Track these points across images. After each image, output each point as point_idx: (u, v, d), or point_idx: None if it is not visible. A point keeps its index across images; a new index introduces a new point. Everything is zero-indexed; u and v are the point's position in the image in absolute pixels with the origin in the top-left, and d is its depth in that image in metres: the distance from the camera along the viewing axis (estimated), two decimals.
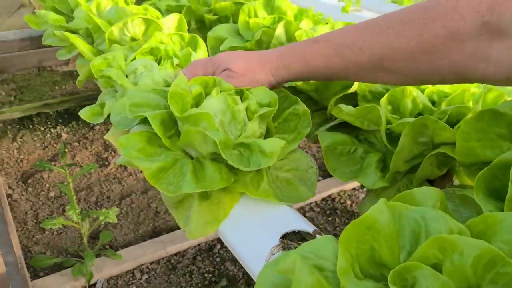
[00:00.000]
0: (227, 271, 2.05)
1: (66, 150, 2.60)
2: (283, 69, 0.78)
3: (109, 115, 0.92)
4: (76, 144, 2.78)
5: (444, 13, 0.61)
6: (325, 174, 2.49)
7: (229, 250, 2.13)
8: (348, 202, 2.49)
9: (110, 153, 2.72)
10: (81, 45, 1.07)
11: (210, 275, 2.03)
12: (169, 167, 0.69)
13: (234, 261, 2.09)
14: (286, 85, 0.91)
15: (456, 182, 0.76)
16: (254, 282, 0.68)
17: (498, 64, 0.58)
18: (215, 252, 2.14)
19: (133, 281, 1.97)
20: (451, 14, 0.60)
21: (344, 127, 0.86)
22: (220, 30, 1.16)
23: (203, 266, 2.06)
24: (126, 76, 0.93)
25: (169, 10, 1.36)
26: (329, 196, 2.52)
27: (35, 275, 1.95)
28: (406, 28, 0.64)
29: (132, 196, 2.42)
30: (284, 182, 0.76)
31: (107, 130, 2.88)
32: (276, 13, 1.16)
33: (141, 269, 2.02)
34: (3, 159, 2.64)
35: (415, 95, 0.79)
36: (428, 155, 0.68)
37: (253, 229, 0.67)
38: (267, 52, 0.82)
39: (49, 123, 2.96)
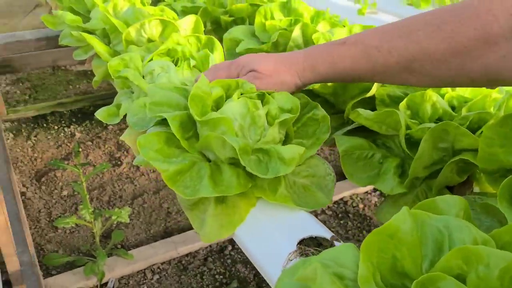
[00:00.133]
0: (238, 273, 2.05)
1: (80, 149, 2.61)
2: (309, 70, 0.77)
3: (125, 116, 0.92)
4: (89, 143, 2.80)
5: (477, 15, 0.60)
6: (337, 176, 2.48)
7: (241, 252, 2.13)
8: (361, 206, 2.48)
9: (123, 152, 2.73)
10: (98, 45, 1.07)
11: (221, 276, 2.03)
12: (187, 170, 0.68)
13: (245, 263, 2.08)
14: (303, 88, 0.90)
15: (476, 189, 0.75)
16: (265, 284, 0.67)
17: None
18: (226, 253, 2.14)
19: (144, 281, 1.98)
20: (484, 16, 0.59)
21: (361, 131, 0.85)
22: (236, 31, 1.16)
23: (214, 268, 2.06)
24: (143, 77, 0.93)
25: (184, 11, 1.36)
26: (341, 199, 2.50)
27: (47, 273, 1.97)
28: (437, 30, 0.64)
29: (144, 196, 2.42)
30: (301, 188, 0.75)
31: (120, 130, 2.90)
32: (293, 15, 1.15)
33: (152, 269, 2.02)
34: (18, 157, 2.66)
35: (435, 100, 0.78)
36: (449, 161, 0.67)
37: (270, 233, 0.66)
38: (292, 53, 0.81)
39: (63, 122, 2.99)
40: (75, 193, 2.39)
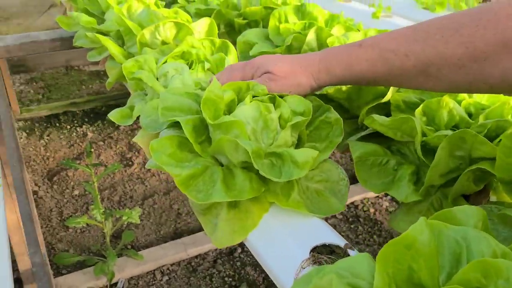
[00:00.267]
0: (248, 276, 2.04)
1: (92, 150, 2.63)
2: (325, 72, 0.77)
3: (138, 117, 0.92)
4: (101, 143, 2.81)
5: (497, 20, 0.59)
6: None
7: (250, 255, 2.12)
8: (372, 210, 2.46)
9: (134, 153, 2.74)
10: (112, 47, 1.08)
11: (230, 279, 2.02)
12: (199, 174, 0.68)
13: (255, 265, 2.08)
14: (317, 92, 0.90)
15: (493, 198, 0.74)
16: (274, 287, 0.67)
17: None
18: (235, 256, 2.13)
19: (153, 282, 1.98)
20: (504, 21, 0.58)
21: (375, 137, 0.84)
22: (250, 34, 1.15)
23: (223, 270, 2.06)
24: (157, 79, 0.93)
25: (198, 14, 1.36)
26: (352, 203, 2.49)
27: (57, 272, 1.98)
28: (455, 34, 0.63)
29: (154, 197, 2.43)
30: (314, 193, 0.74)
31: (132, 130, 2.91)
32: (307, 19, 1.15)
33: (162, 270, 2.03)
34: (30, 156, 2.69)
35: (452, 106, 0.77)
36: (466, 170, 0.65)
37: (282, 240, 0.66)
38: (308, 55, 0.80)
39: (75, 121, 3.01)
40: (86, 192, 2.40)
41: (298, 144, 0.79)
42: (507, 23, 0.58)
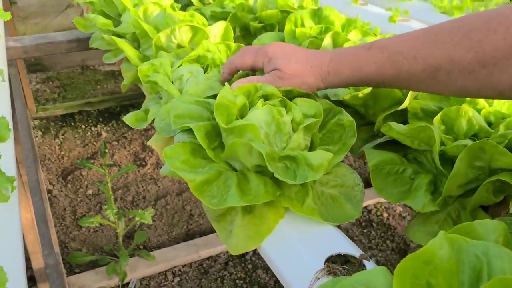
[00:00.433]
0: (259, 279, 2.04)
1: (106, 150, 2.65)
2: (333, 74, 0.77)
3: (153, 120, 0.92)
4: (115, 143, 2.83)
5: (507, 25, 0.58)
6: None
7: (262, 258, 2.12)
8: (385, 215, 2.44)
9: (148, 153, 2.75)
10: (128, 50, 1.08)
11: (241, 281, 2.02)
12: (213, 179, 0.68)
13: (266, 268, 2.07)
14: (333, 99, 0.89)
15: None
16: None
17: None
18: (247, 258, 2.13)
19: (165, 283, 1.99)
20: None
21: (391, 144, 0.82)
22: (266, 38, 1.15)
23: (235, 272, 2.05)
24: (172, 83, 0.93)
25: (214, 16, 1.36)
26: (365, 207, 2.47)
27: (70, 271, 1.99)
28: (465, 39, 0.62)
29: (167, 198, 2.44)
30: (329, 199, 0.73)
31: (146, 131, 2.92)
32: (324, 23, 1.14)
33: (174, 272, 2.03)
34: (45, 155, 2.71)
35: (471, 115, 0.75)
36: (486, 181, 0.64)
37: (296, 248, 0.65)
38: (320, 54, 0.80)
39: (90, 121, 3.03)
40: (100, 192, 2.42)
41: (311, 147, 0.79)
42: None
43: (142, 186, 2.50)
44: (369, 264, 0.62)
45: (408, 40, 0.69)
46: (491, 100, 0.82)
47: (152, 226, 2.25)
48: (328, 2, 1.41)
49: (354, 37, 1.07)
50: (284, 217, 0.70)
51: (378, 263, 2.14)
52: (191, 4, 1.52)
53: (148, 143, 0.90)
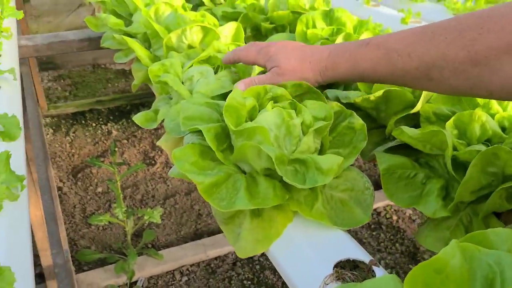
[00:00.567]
0: (267, 280, 2.03)
1: (116, 148, 2.66)
2: (331, 69, 0.79)
3: (163, 120, 0.92)
4: (125, 141, 2.84)
5: (502, 25, 0.57)
6: None
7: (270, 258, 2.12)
8: (394, 218, 2.42)
9: (157, 152, 2.76)
10: (139, 50, 1.08)
11: (249, 282, 2.01)
12: (222, 182, 0.67)
13: (274, 270, 2.06)
14: (344, 101, 0.88)
15: None
16: None
17: None
18: (255, 259, 2.13)
19: (173, 282, 1.99)
20: (509, 27, 0.56)
21: (402, 148, 0.81)
22: (277, 39, 1.14)
23: (242, 273, 2.05)
24: (182, 83, 0.93)
25: (225, 17, 1.36)
26: (375, 210, 2.45)
27: (79, 269, 2.00)
28: (458, 37, 0.61)
29: (176, 197, 2.44)
30: (338, 203, 0.73)
31: (156, 130, 2.93)
32: (335, 25, 1.13)
33: (181, 271, 2.03)
34: (56, 152, 2.73)
35: (484, 120, 0.74)
36: (499, 188, 0.63)
37: (304, 252, 0.64)
38: (319, 49, 0.82)
39: (100, 119, 3.05)
40: (109, 190, 2.43)
41: (321, 151, 0.78)
42: (511, 28, 0.56)
43: (151, 185, 2.51)
44: (379, 270, 0.61)
45: (407, 36, 0.69)
46: (505, 105, 0.81)
47: (160, 225, 2.26)
48: (339, 3, 1.40)
49: None
50: (292, 220, 0.69)
51: (387, 266, 2.12)
52: (203, 4, 1.52)
53: (158, 143, 0.90)
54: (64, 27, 3.38)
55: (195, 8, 1.50)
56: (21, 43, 1.42)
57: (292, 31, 1.23)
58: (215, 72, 0.93)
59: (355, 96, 0.87)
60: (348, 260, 0.63)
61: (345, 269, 0.62)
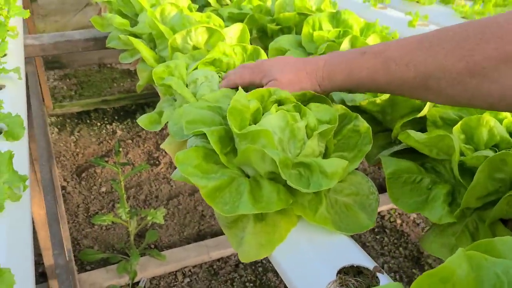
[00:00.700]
0: (269, 282, 2.02)
1: (120, 149, 2.66)
2: (327, 79, 0.78)
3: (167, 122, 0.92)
4: (130, 141, 2.84)
5: (500, 35, 0.56)
6: None
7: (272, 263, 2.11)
8: (398, 221, 2.40)
9: (161, 152, 2.76)
10: (144, 50, 1.08)
11: (251, 284, 2.01)
12: (226, 186, 0.66)
13: (277, 272, 2.06)
14: (350, 104, 0.87)
15: None
16: None
17: None
18: (258, 261, 2.12)
19: (175, 283, 1.98)
20: (508, 37, 0.55)
21: (408, 152, 0.81)
22: (283, 41, 1.13)
23: (245, 275, 2.04)
24: (187, 86, 0.92)
25: (231, 18, 1.35)
26: (379, 213, 2.44)
27: (81, 268, 2.00)
28: (457, 47, 0.60)
29: (179, 197, 2.44)
30: (343, 207, 0.72)
31: (160, 130, 2.93)
32: (342, 27, 1.12)
33: (184, 272, 2.03)
34: (61, 151, 2.73)
35: (492, 125, 0.73)
36: (507, 194, 0.62)
37: (308, 258, 0.64)
38: (315, 59, 0.81)
39: (105, 119, 3.05)
40: (113, 190, 2.43)
41: (325, 154, 0.77)
42: (510, 38, 0.55)
43: (155, 185, 2.51)
44: (383, 277, 0.60)
45: (403, 46, 0.68)
46: None
47: (163, 225, 2.25)
48: (346, 5, 1.39)
49: (372, 41, 1.05)
50: (296, 225, 0.68)
51: (390, 270, 2.11)
52: (209, 5, 1.51)
53: (162, 146, 0.89)
54: (71, 26, 3.39)
55: (201, 9, 1.50)
56: (27, 42, 1.42)
57: (298, 32, 1.22)
58: (220, 76, 0.92)
59: (361, 99, 0.86)
60: (351, 266, 0.62)
61: (349, 275, 0.61)
